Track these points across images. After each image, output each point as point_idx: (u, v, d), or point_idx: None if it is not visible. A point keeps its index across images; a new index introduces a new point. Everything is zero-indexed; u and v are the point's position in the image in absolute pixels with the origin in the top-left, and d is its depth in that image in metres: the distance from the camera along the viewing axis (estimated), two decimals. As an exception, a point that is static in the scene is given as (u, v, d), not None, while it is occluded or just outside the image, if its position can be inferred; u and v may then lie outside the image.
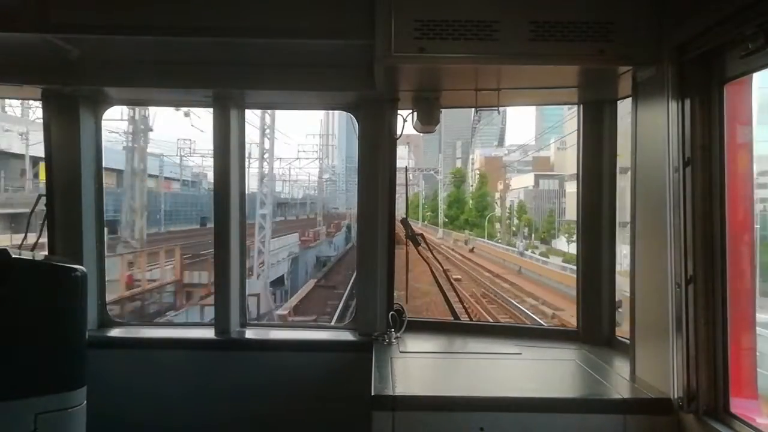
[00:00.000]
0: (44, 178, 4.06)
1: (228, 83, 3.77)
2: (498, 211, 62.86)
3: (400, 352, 3.65)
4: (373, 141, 4.00)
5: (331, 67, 3.65)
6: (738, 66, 2.46)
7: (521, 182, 63.26)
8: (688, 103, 2.62)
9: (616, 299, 3.91)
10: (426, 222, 67.13)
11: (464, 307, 4.47)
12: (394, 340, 3.87)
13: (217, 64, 3.65)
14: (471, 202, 63.79)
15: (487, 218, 57.26)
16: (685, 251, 2.61)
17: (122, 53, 3.57)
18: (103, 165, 4.26)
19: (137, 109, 23.92)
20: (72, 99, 3.95)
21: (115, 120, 26.05)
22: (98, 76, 3.67)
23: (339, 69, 3.65)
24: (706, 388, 2.60)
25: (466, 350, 3.87)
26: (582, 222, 3.95)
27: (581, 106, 3.90)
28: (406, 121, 4.06)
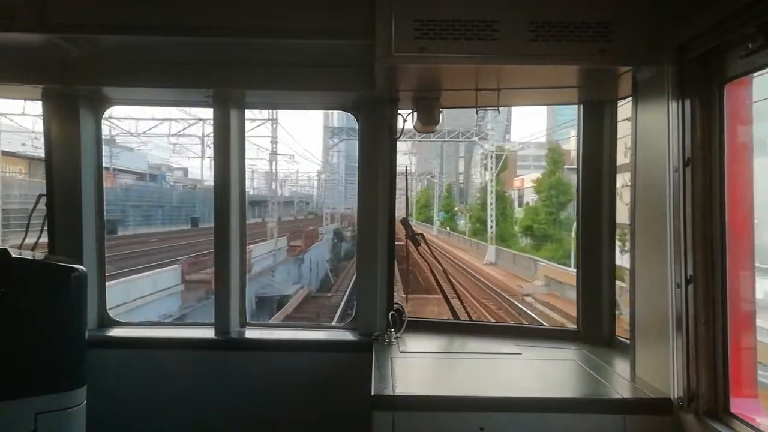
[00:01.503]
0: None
1: (228, 83, 3.77)
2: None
3: (400, 352, 3.65)
4: (373, 141, 4.01)
5: (331, 67, 3.65)
6: (738, 66, 2.45)
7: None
8: (688, 103, 2.63)
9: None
10: (446, 227, 48.88)
11: (464, 306, 4.47)
12: (394, 340, 3.87)
13: (217, 64, 3.66)
14: (543, 197, 37.76)
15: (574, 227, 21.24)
16: (685, 251, 2.61)
17: (122, 53, 3.58)
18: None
19: None
20: (72, 99, 3.96)
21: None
22: (98, 75, 3.67)
23: (339, 69, 3.66)
24: (706, 387, 2.60)
25: (466, 350, 3.87)
26: (582, 221, 3.95)
27: (581, 106, 3.90)
28: (406, 121, 4.06)
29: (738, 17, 2.25)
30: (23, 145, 26.48)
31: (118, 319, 4.35)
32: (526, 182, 46.75)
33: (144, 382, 3.93)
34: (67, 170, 3.99)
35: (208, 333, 4.11)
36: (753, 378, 2.61)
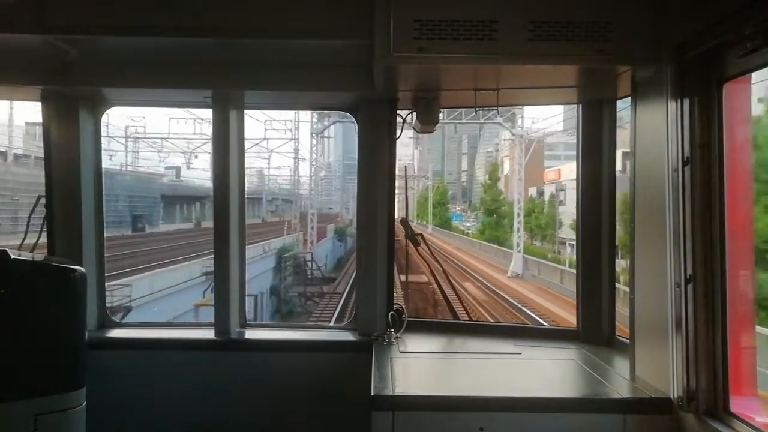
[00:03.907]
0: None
1: (227, 84, 3.77)
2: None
3: (400, 352, 3.65)
4: (372, 141, 4.01)
5: (330, 68, 3.65)
6: (737, 65, 2.46)
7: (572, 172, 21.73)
8: (687, 102, 2.63)
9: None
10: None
11: (464, 307, 4.47)
12: (393, 340, 3.87)
13: (216, 64, 3.66)
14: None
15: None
16: (685, 251, 2.61)
17: (121, 54, 3.58)
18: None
19: None
20: (71, 100, 3.96)
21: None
22: (97, 77, 3.67)
23: (338, 69, 3.65)
24: (705, 387, 2.60)
25: (466, 350, 3.87)
26: (582, 221, 3.95)
27: (580, 105, 3.90)
28: (405, 121, 4.06)
29: (737, 16, 2.26)
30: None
31: (117, 320, 4.35)
32: (563, 174, 39.49)
33: (144, 383, 3.93)
34: (67, 171, 3.99)
35: (208, 333, 4.10)
36: (753, 377, 2.61)
